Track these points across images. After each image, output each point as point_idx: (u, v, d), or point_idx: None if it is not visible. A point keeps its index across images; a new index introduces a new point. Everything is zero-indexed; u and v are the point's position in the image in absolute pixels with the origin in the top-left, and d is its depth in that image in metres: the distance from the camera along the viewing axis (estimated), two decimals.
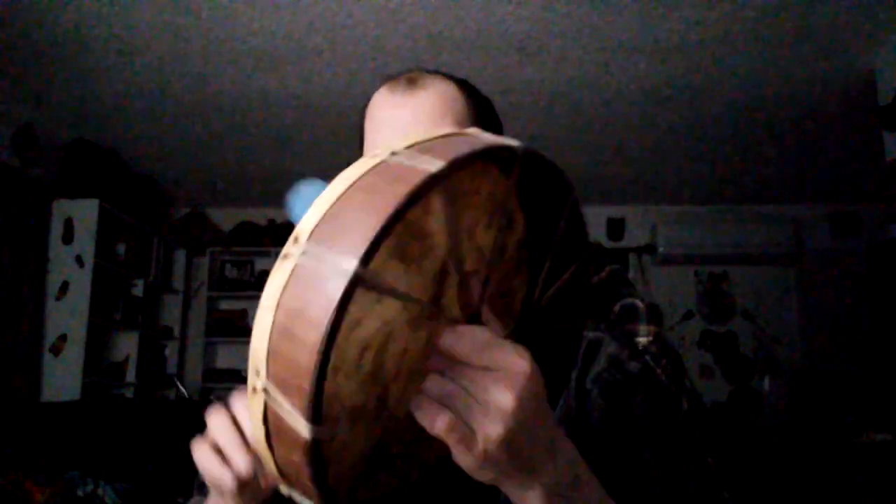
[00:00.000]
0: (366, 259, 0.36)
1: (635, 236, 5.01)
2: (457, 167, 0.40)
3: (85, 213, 3.84)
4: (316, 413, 0.37)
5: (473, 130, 0.49)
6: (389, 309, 0.42)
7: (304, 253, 0.38)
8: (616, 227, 5.02)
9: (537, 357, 0.44)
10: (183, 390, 4.24)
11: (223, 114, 3.46)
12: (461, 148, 0.42)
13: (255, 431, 0.42)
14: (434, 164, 0.39)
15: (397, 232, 0.40)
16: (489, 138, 0.46)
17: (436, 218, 0.43)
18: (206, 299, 4.97)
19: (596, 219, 4.91)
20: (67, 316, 3.74)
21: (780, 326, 4.84)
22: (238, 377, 4.31)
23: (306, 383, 0.36)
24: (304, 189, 0.80)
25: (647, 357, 0.68)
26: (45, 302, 3.73)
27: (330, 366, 0.37)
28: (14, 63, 2.96)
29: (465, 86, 0.77)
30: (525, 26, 2.67)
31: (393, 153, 0.42)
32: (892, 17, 2.57)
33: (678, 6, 2.52)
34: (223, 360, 4.97)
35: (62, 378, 3.67)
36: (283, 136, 3.75)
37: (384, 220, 0.36)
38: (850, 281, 4.71)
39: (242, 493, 0.56)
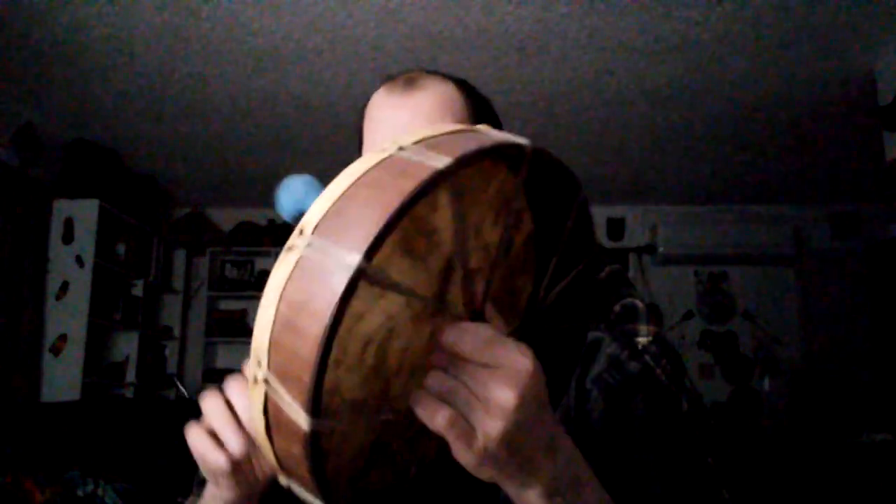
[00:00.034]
0: (369, 254, 0.36)
1: (635, 236, 5.01)
2: (464, 164, 0.40)
3: (85, 213, 3.84)
4: (315, 405, 0.37)
5: (483, 127, 0.48)
6: (393, 304, 0.42)
7: (308, 245, 0.39)
8: (616, 227, 5.02)
9: (540, 356, 0.44)
10: (183, 390, 4.24)
11: (223, 114, 3.46)
12: (469, 145, 0.41)
13: (255, 422, 0.42)
14: (441, 161, 0.39)
15: (403, 227, 0.40)
16: (498, 136, 0.45)
17: (442, 214, 0.43)
18: (206, 299, 4.97)
19: (596, 219, 4.90)
20: (67, 316, 3.74)
21: (780, 326, 4.84)
22: None
23: (307, 375, 0.36)
24: (291, 183, 0.81)
25: (647, 357, 0.68)
26: (45, 302, 3.73)
27: (332, 359, 0.37)
28: (14, 63, 2.96)
29: (464, 86, 0.77)
30: (525, 26, 2.67)
31: (400, 148, 0.42)
32: (892, 17, 2.57)
33: (678, 6, 2.52)
34: (223, 360, 4.97)
35: (62, 378, 3.67)
36: (283, 136, 3.75)
37: (389, 215, 0.36)
38: (850, 281, 4.71)
39: (237, 475, 0.56)
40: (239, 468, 0.56)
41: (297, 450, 0.39)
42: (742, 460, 3.61)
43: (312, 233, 0.39)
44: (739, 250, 4.72)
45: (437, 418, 0.41)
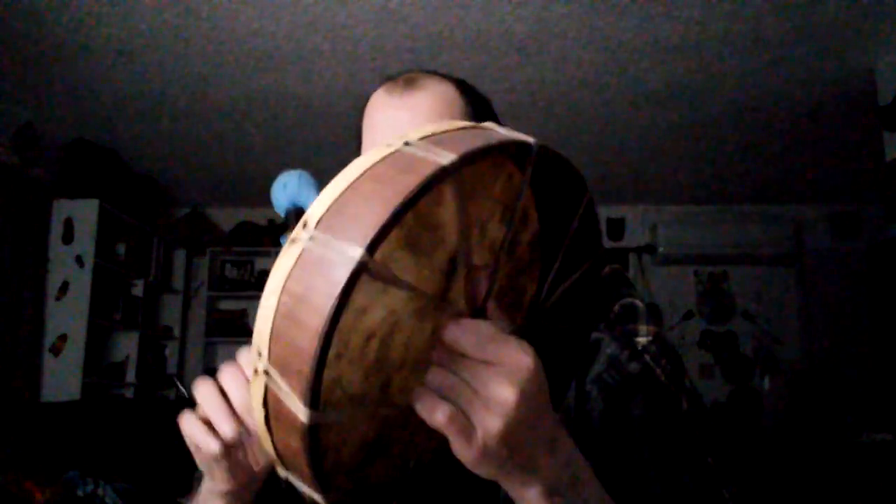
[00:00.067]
0: (371, 248, 0.36)
1: (635, 236, 5.01)
2: (469, 161, 0.40)
3: (85, 213, 3.84)
4: (315, 398, 0.37)
5: (489, 124, 0.48)
6: (396, 299, 0.42)
7: (311, 239, 0.39)
8: (616, 227, 5.02)
9: (542, 356, 0.44)
10: (183, 390, 4.24)
11: (223, 114, 3.46)
12: (475, 141, 0.42)
13: (255, 413, 0.42)
14: (446, 157, 0.39)
15: (407, 223, 0.40)
16: (504, 133, 0.45)
17: (447, 210, 0.43)
18: (206, 299, 4.97)
19: None
20: (67, 316, 3.74)
21: (780, 326, 4.84)
22: None
23: (306, 368, 0.36)
24: (285, 178, 0.81)
25: (647, 357, 0.68)
26: (45, 302, 3.73)
27: (333, 352, 0.37)
28: (14, 63, 2.96)
29: (463, 86, 0.77)
30: (525, 26, 2.67)
31: (406, 143, 0.42)
32: (892, 17, 2.57)
33: (678, 6, 2.52)
34: (223, 360, 4.87)
35: (62, 378, 3.67)
36: (283, 136, 3.75)
37: (392, 210, 0.37)
38: (850, 281, 4.71)
39: (230, 463, 0.56)
40: (232, 455, 0.56)
41: (295, 442, 0.39)
42: (742, 460, 3.61)
43: (316, 226, 0.39)
44: (739, 250, 4.72)
45: (436, 415, 0.41)
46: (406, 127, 0.71)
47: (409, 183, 0.38)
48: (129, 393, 4.31)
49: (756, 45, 2.79)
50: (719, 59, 2.91)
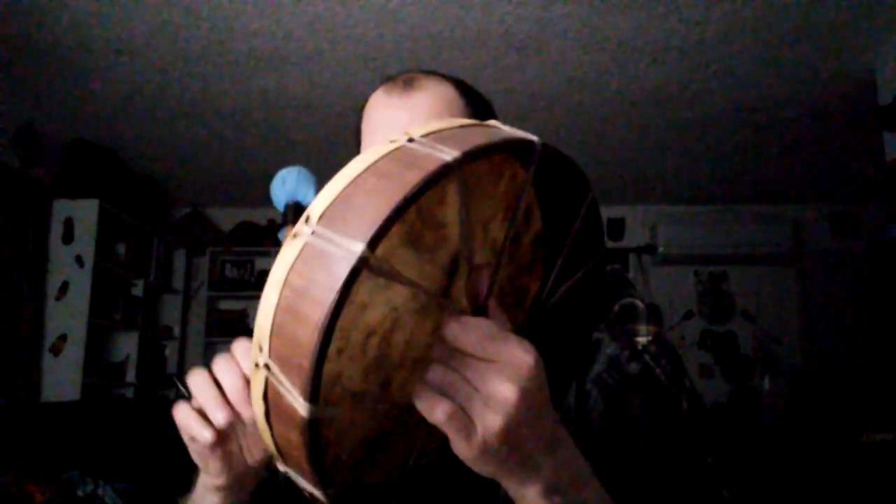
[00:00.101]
0: (373, 243, 0.36)
1: (635, 236, 5.01)
2: (472, 157, 0.40)
3: (85, 213, 3.84)
4: (315, 392, 0.37)
5: (493, 122, 0.49)
6: (397, 295, 0.42)
7: (313, 233, 0.39)
8: (616, 227, 5.02)
9: (543, 355, 0.44)
10: (183, 390, 4.23)
11: (223, 114, 3.46)
12: (479, 138, 0.42)
13: (255, 408, 0.42)
14: (449, 154, 0.39)
15: (409, 219, 0.40)
16: (508, 131, 0.45)
17: (450, 208, 0.43)
18: (206, 299, 4.97)
19: None
20: (67, 316, 3.74)
21: (780, 326, 4.84)
22: None
23: (307, 362, 0.36)
24: (284, 174, 0.81)
25: (647, 357, 0.68)
26: (45, 302, 3.73)
27: (333, 348, 0.37)
28: (14, 63, 2.96)
29: (462, 86, 0.77)
30: (525, 26, 2.67)
31: (410, 139, 0.42)
32: (892, 17, 2.57)
33: (678, 6, 2.52)
34: None
35: (62, 378, 3.67)
36: (283, 136, 3.75)
37: (394, 205, 0.37)
38: (850, 281, 4.71)
39: (224, 454, 0.56)
40: (225, 444, 0.57)
41: (295, 436, 0.39)
42: (742, 460, 3.61)
43: (318, 221, 0.39)
44: (739, 250, 4.72)
45: (436, 412, 0.41)
46: (406, 127, 0.71)
47: (412, 178, 0.38)
48: (129, 393, 4.31)
49: (756, 45, 2.79)
50: (719, 59, 2.91)
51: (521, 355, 0.42)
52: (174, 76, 3.06)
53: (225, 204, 4.99)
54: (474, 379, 0.42)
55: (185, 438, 0.57)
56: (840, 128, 3.60)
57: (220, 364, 0.55)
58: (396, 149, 0.42)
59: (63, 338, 3.72)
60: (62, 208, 3.83)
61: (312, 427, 0.38)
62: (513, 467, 0.44)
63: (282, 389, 0.38)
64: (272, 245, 4.83)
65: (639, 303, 0.72)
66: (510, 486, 0.46)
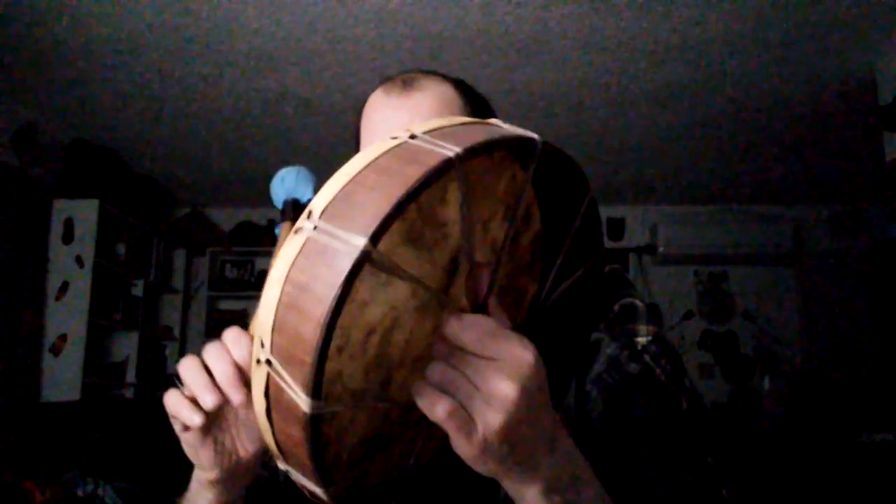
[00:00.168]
0: (375, 238, 0.36)
1: (635, 236, 5.01)
2: (474, 153, 0.40)
3: (85, 213, 3.84)
4: (317, 388, 0.37)
5: (494, 121, 0.49)
6: (397, 293, 0.42)
7: (315, 228, 0.39)
8: (616, 227, 5.02)
9: (542, 355, 0.44)
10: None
11: (223, 114, 3.46)
12: (480, 135, 0.42)
13: (256, 404, 0.42)
14: (451, 149, 0.39)
15: (410, 217, 0.40)
16: (509, 129, 0.46)
17: (451, 207, 0.43)
18: (206, 299, 4.97)
19: None
20: (67, 316, 3.74)
21: (780, 326, 4.84)
22: None
23: (309, 357, 0.36)
24: (283, 173, 0.81)
25: (647, 357, 0.68)
26: (45, 302, 3.73)
27: (334, 345, 0.37)
28: (14, 63, 2.96)
29: (462, 86, 0.77)
30: (525, 26, 2.67)
31: (412, 136, 0.42)
32: (892, 17, 2.57)
33: (678, 6, 2.52)
34: None
35: (62, 378, 3.67)
36: (283, 136, 3.75)
37: (396, 200, 0.37)
38: (850, 281, 4.71)
39: (215, 442, 0.56)
40: (217, 435, 0.57)
41: (296, 432, 0.39)
42: (742, 460, 3.61)
43: (320, 216, 0.39)
44: (739, 250, 4.72)
45: (437, 409, 0.41)
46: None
47: (414, 173, 0.38)
48: (129, 393, 4.31)
49: (756, 45, 2.79)
50: (719, 59, 2.91)
51: (521, 353, 0.42)
52: (174, 76, 3.06)
53: (225, 204, 4.99)
54: (475, 377, 0.42)
55: (177, 429, 0.57)
56: (840, 128, 3.60)
57: (211, 351, 0.55)
58: (398, 145, 0.42)
59: (63, 338, 3.72)
60: (62, 208, 3.83)
61: (314, 423, 0.38)
62: (513, 466, 0.44)
63: (283, 385, 0.38)
64: (272, 245, 4.82)
65: (639, 303, 0.72)
66: (510, 485, 0.46)
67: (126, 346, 4.35)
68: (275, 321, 0.39)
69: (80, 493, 2.70)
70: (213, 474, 0.58)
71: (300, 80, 3.10)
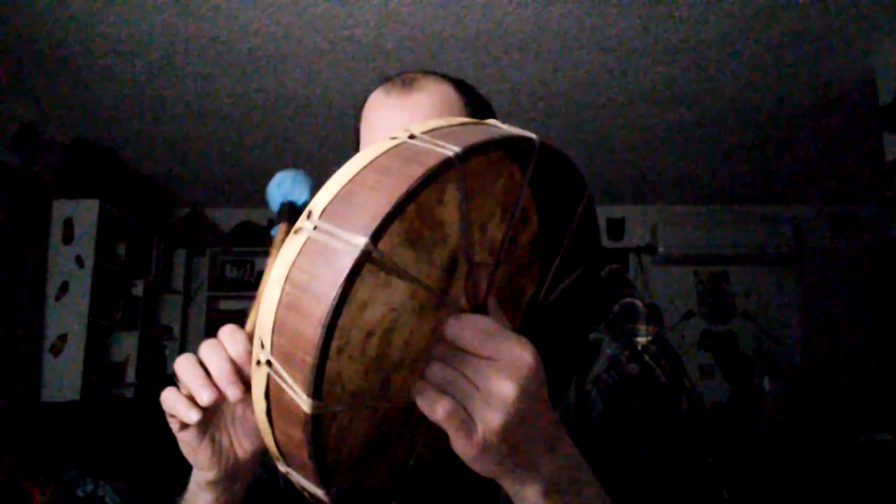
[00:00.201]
0: (375, 237, 0.36)
1: (635, 236, 5.01)
2: (473, 153, 0.40)
3: (85, 213, 3.84)
4: (317, 387, 0.37)
5: (492, 121, 0.49)
6: (397, 294, 0.42)
7: (315, 228, 0.39)
8: (616, 227, 5.02)
9: (542, 355, 0.44)
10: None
11: (223, 114, 3.46)
12: (479, 135, 0.42)
13: (256, 405, 0.41)
14: (450, 149, 0.39)
15: (409, 217, 0.40)
16: (507, 129, 0.46)
17: (449, 208, 0.43)
18: (206, 299, 4.97)
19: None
20: (67, 316, 3.74)
21: (780, 326, 4.84)
22: None
23: (310, 357, 0.36)
24: (280, 177, 0.81)
25: (647, 357, 0.68)
26: (45, 302, 3.73)
27: (334, 345, 0.37)
28: (14, 63, 2.96)
29: (461, 86, 0.77)
30: (525, 26, 2.67)
31: (411, 136, 0.42)
32: (892, 17, 2.57)
33: (678, 6, 2.52)
34: None
35: (62, 378, 3.66)
36: (283, 136, 3.75)
37: (396, 199, 0.37)
38: (850, 281, 4.71)
39: (212, 441, 0.56)
40: (213, 434, 0.56)
41: (297, 433, 0.39)
42: (742, 460, 3.61)
43: (320, 216, 0.39)
44: (739, 250, 4.72)
45: (437, 409, 0.41)
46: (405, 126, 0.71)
47: (413, 173, 0.38)
48: (129, 393, 4.31)
49: (756, 46, 2.79)
50: (719, 59, 2.91)
51: (520, 353, 0.42)
52: (174, 76, 3.06)
53: (225, 204, 4.99)
54: (474, 377, 0.42)
55: (174, 429, 0.57)
56: (840, 128, 3.60)
57: (206, 348, 0.55)
58: (397, 145, 0.42)
59: (63, 338, 3.72)
60: (62, 208, 3.83)
61: (315, 423, 0.38)
62: (512, 467, 0.44)
63: (284, 386, 0.38)
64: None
65: (639, 303, 0.72)
66: (509, 486, 0.46)
67: (126, 346, 4.35)
68: (275, 322, 0.39)
69: (80, 493, 2.70)
70: (211, 475, 0.58)
71: (300, 80, 3.10)
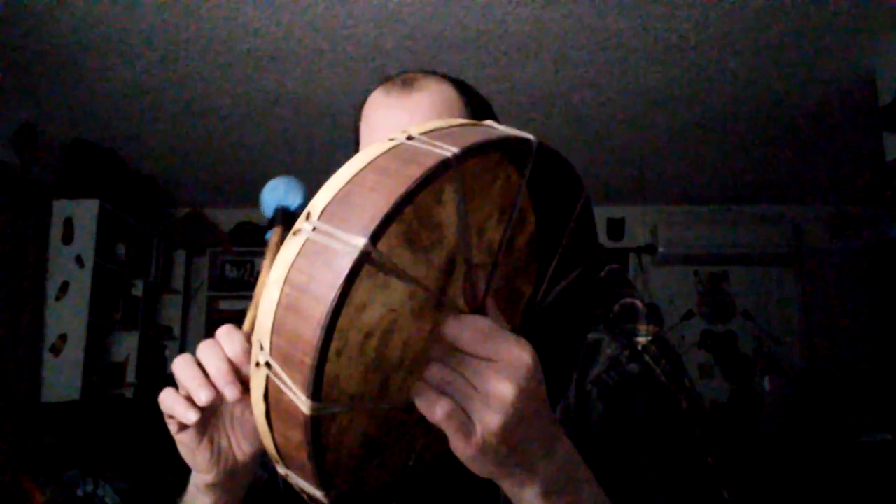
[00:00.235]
0: (375, 237, 0.36)
1: (635, 236, 5.01)
2: (471, 154, 0.40)
3: (85, 213, 3.84)
4: (317, 389, 0.37)
5: (489, 122, 0.49)
6: (395, 295, 0.42)
7: (314, 229, 0.39)
8: (616, 227, 5.02)
9: (540, 356, 0.44)
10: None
11: (223, 114, 3.46)
12: (476, 136, 0.42)
13: (255, 408, 0.41)
14: (448, 150, 0.39)
15: (407, 217, 0.40)
16: (505, 130, 0.46)
17: (448, 209, 0.43)
18: (206, 299, 4.97)
19: (596, 219, 4.90)
20: (67, 316, 3.74)
21: (780, 326, 4.83)
22: None
23: (309, 358, 0.36)
24: (274, 184, 0.81)
25: (647, 357, 0.67)
26: (45, 302, 3.73)
27: (333, 348, 0.37)
28: (14, 63, 2.96)
29: (461, 86, 0.77)
30: (525, 26, 2.67)
31: (409, 137, 0.42)
32: (892, 17, 2.57)
33: (678, 6, 2.52)
34: None
35: (62, 378, 3.67)
36: (283, 136, 3.75)
37: (395, 200, 0.37)
38: (850, 281, 4.71)
39: (210, 443, 0.56)
40: (212, 435, 0.56)
41: (297, 435, 0.39)
42: (742, 460, 3.61)
43: (319, 217, 0.39)
44: (739, 250, 4.72)
45: (436, 410, 0.41)
46: (405, 127, 0.71)
47: (411, 174, 0.38)
48: (129, 393, 4.31)
49: (756, 45, 2.79)
50: (719, 59, 2.91)
51: (519, 354, 0.42)
52: (174, 76, 3.06)
53: (225, 204, 4.99)
54: (473, 378, 0.42)
55: (173, 430, 0.56)
56: (840, 128, 3.60)
57: (204, 348, 0.55)
58: (396, 146, 0.42)
59: (63, 338, 3.72)
60: (62, 208, 3.83)
61: (314, 424, 0.38)
62: (511, 467, 0.44)
63: (283, 387, 0.38)
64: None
65: (639, 303, 0.72)
66: (509, 486, 0.46)
67: (126, 346, 4.35)
68: (274, 323, 0.39)
69: (80, 493, 2.70)
70: (209, 477, 0.58)
71: (300, 80, 3.10)
